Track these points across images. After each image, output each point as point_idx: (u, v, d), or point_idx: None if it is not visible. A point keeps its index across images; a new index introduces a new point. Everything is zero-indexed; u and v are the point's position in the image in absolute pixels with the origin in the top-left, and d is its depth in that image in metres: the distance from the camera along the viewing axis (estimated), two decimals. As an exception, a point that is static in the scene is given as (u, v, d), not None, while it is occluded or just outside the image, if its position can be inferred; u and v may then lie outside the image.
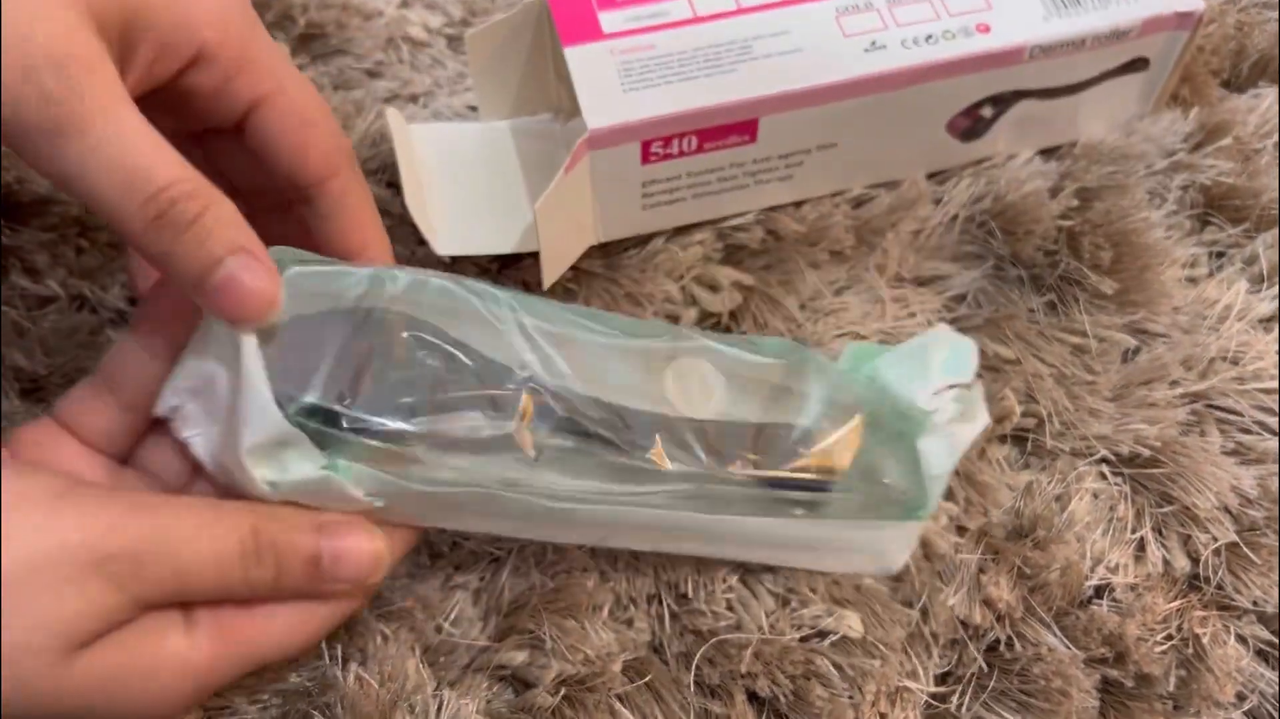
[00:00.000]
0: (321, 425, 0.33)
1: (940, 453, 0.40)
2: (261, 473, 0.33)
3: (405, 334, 0.35)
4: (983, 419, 0.40)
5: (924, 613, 0.41)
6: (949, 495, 0.44)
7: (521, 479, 0.35)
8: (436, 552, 0.43)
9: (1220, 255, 0.50)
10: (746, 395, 0.39)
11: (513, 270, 0.48)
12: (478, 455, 0.35)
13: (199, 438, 0.35)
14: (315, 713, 0.39)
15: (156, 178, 0.30)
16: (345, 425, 0.33)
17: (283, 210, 0.38)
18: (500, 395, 0.35)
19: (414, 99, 0.53)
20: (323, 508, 0.34)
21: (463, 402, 0.35)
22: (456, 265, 0.47)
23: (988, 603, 0.41)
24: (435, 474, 0.34)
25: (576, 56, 0.44)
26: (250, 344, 0.33)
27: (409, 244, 0.47)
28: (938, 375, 0.40)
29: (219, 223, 0.31)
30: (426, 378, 0.35)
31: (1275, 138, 0.51)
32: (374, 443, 0.34)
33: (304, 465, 0.33)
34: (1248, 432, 0.45)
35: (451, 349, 0.35)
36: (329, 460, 0.34)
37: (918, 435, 0.40)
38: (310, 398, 0.33)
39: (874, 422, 0.39)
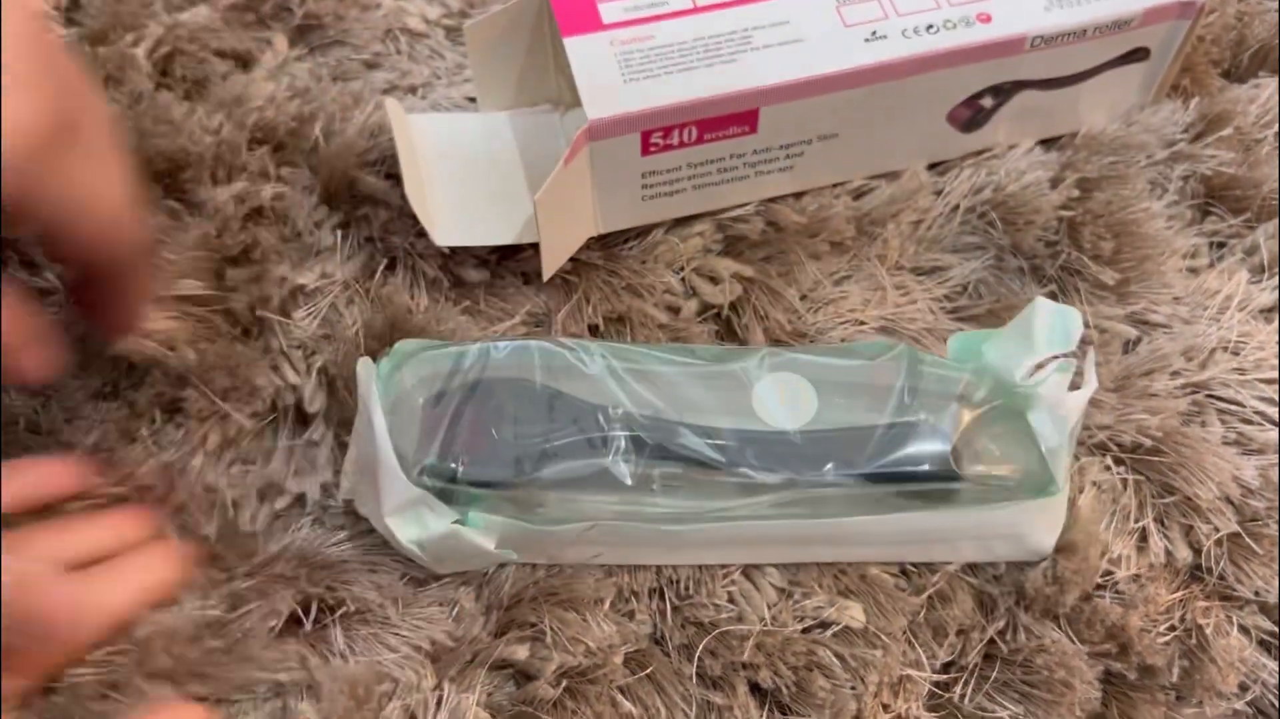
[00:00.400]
0: (444, 484, 0.38)
1: (1052, 425, 0.39)
2: (406, 533, 0.38)
3: (508, 394, 0.39)
4: (1091, 384, 0.39)
5: (930, 602, 0.41)
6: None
7: (630, 509, 0.39)
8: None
9: (1221, 246, 0.50)
10: (843, 400, 0.40)
11: (512, 262, 0.47)
12: (586, 492, 0.39)
13: (368, 512, 0.40)
14: (304, 707, 0.38)
15: None
16: (461, 479, 0.38)
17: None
18: (596, 435, 0.39)
19: (412, 90, 0.52)
20: (465, 563, 0.40)
21: (564, 446, 0.39)
22: (455, 256, 0.47)
23: (995, 595, 0.41)
24: (554, 514, 0.39)
25: (576, 47, 0.44)
26: (379, 423, 0.37)
27: (408, 235, 0.47)
28: (1043, 348, 0.40)
29: None
30: (531, 429, 0.39)
31: (1276, 128, 0.51)
32: (491, 493, 0.38)
33: (439, 522, 0.38)
34: (1249, 422, 0.45)
35: (551, 400, 0.39)
36: (460, 515, 0.38)
37: (1028, 412, 0.40)
38: (429, 460, 0.38)
39: (984, 405, 0.40)
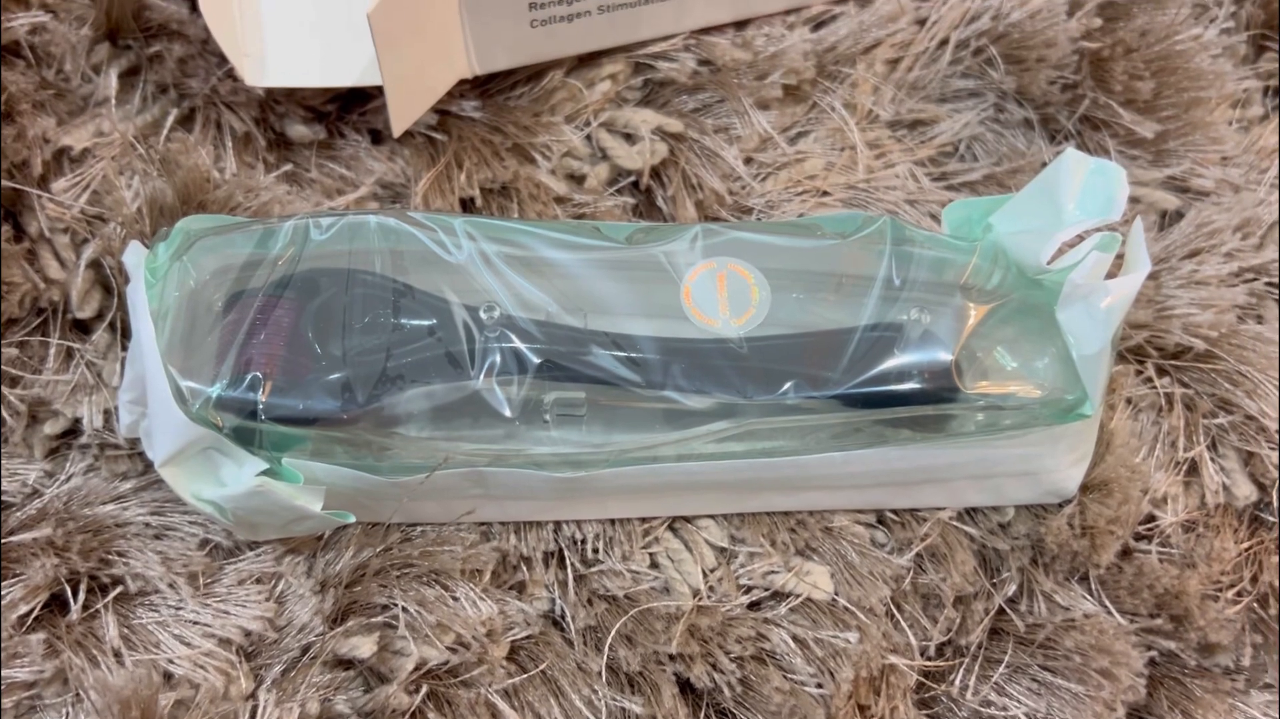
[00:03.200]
0: (242, 420, 0.29)
1: (1088, 324, 0.31)
2: (193, 490, 0.30)
3: (335, 292, 0.31)
4: (1142, 266, 0.31)
5: (918, 561, 0.33)
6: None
7: (513, 448, 0.31)
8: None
9: (1276, 91, 0.42)
10: (804, 295, 0.32)
11: (355, 115, 0.38)
12: (449, 427, 0.30)
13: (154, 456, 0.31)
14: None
15: None
16: (266, 414, 0.29)
17: None
18: (461, 348, 0.30)
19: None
20: (287, 530, 0.32)
21: (415, 364, 0.30)
22: (277, 106, 0.37)
23: (1002, 551, 0.33)
24: (404, 458, 0.31)
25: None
26: (148, 334, 0.29)
27: (212, 77, 0.37)
28: (1073, 216, 0.31)
29: None
30: (368, 341, 0.30)
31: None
32: (312, 432, 0.30)
33: (239, 474, 0.30)
34: (1322, 316, 0.38)
35: (397, 299, 0.31)
36: (269, 463, 0.30)
37: (1056, 307, 0.31)
38: (216, 390, 0.29)
39: (995, 299, 0.32)
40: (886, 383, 0.31)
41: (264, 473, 0.30)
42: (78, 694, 0.31)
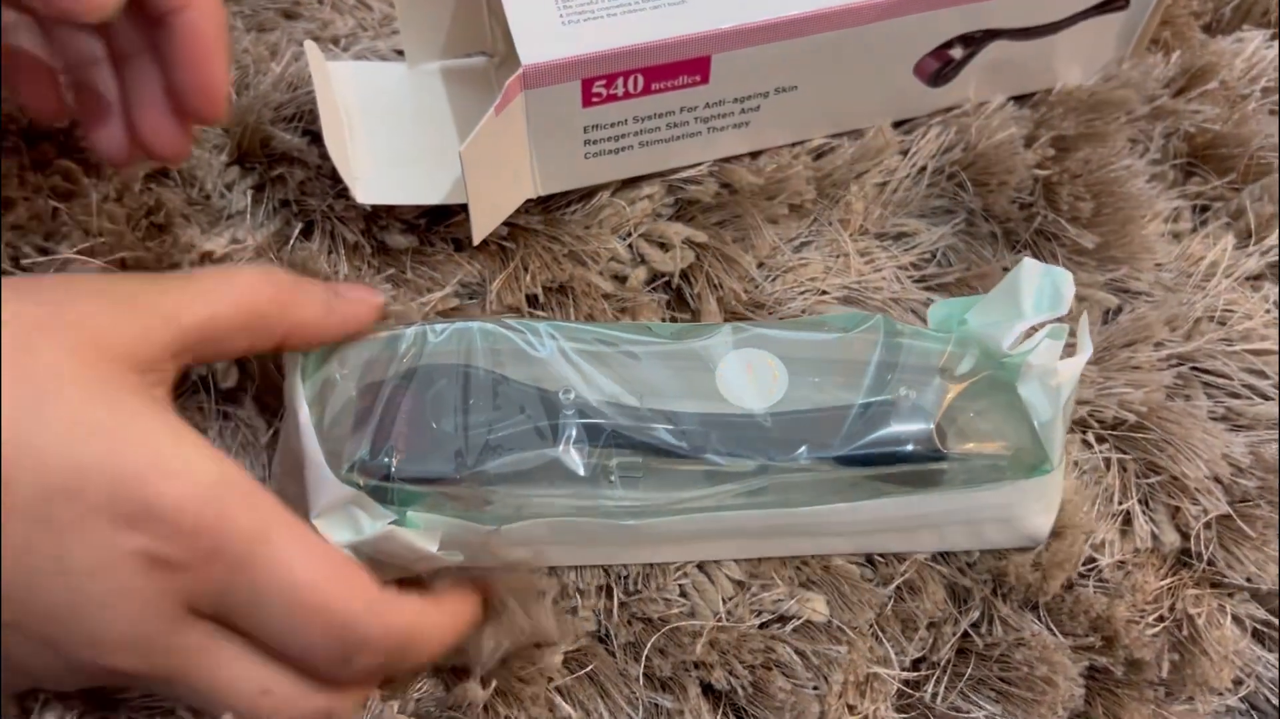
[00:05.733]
0: (378, 481, 0.34)
1: (1043, 396, 0.36)
2: (338, 536, 0.34)
3: (448, 381, 0.36)
4: (1086, 351, 0.36)
5: (898, 593, 0.38)
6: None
7: (585, 503, 0.36)
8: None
9: (1205, 209, 0.47)
10: (815, 378, 0.37)
11: (442, 227, 0.44)
12: (536, 486, 0.35)
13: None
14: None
15: None
16: (396, 475, 0.34)
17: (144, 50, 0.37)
18: (546, 423, 0.35)
19: (335, 42, 0.48)
20: (408, 568, 0.35)
21: (510, 436, 0.35)
22: (379, 220, 0.43)
23: (968, 585, 0.38)
24: (501, 511, 0.35)
25: (511, -9, 0.40)
26: (304, 415, 0.34)
27: (327, 197, 0.43)
28: (1031, 313, 0.36)
29: None
30: (473, 419, 0.35)
31: (1263, 83, 0.48)
32: (431, 490, 0.35)
33: (373, 524, 0.34)
34: (1237, 396, 0.42)
35: (495, 387, 0.36)
36: (397, 515, 0.34)
37: (1018, 383, 0.36)
38: (360, 454, 0.34)
39: (969, 378, 0.37)
40: (881, 446, 0.35)
41: (393, 523, 0.34)
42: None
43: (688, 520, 0.36)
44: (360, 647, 0.31)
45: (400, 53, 0.48)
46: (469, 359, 0.37)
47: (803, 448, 0.35)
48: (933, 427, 0.36)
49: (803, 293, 0.43)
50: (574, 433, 0.35)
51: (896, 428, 0.36)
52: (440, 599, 0.34)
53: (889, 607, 0.38)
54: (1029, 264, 0.37)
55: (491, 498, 0.35)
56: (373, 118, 0.44)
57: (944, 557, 0.39)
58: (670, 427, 0.36)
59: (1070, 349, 0.36)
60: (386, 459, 0.35)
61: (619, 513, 0.36)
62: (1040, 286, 0.37)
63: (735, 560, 0.38)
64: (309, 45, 0.42)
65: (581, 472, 0.35)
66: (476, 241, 0.42)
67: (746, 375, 0.37)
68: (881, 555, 0.39)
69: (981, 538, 0.38)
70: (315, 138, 0.44)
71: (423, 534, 0.34)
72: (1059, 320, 0.36)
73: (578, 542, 0.37)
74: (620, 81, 0.40)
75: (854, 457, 0.36)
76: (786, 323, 0.40)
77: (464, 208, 0.41)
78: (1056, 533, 0.38)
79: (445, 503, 0.35)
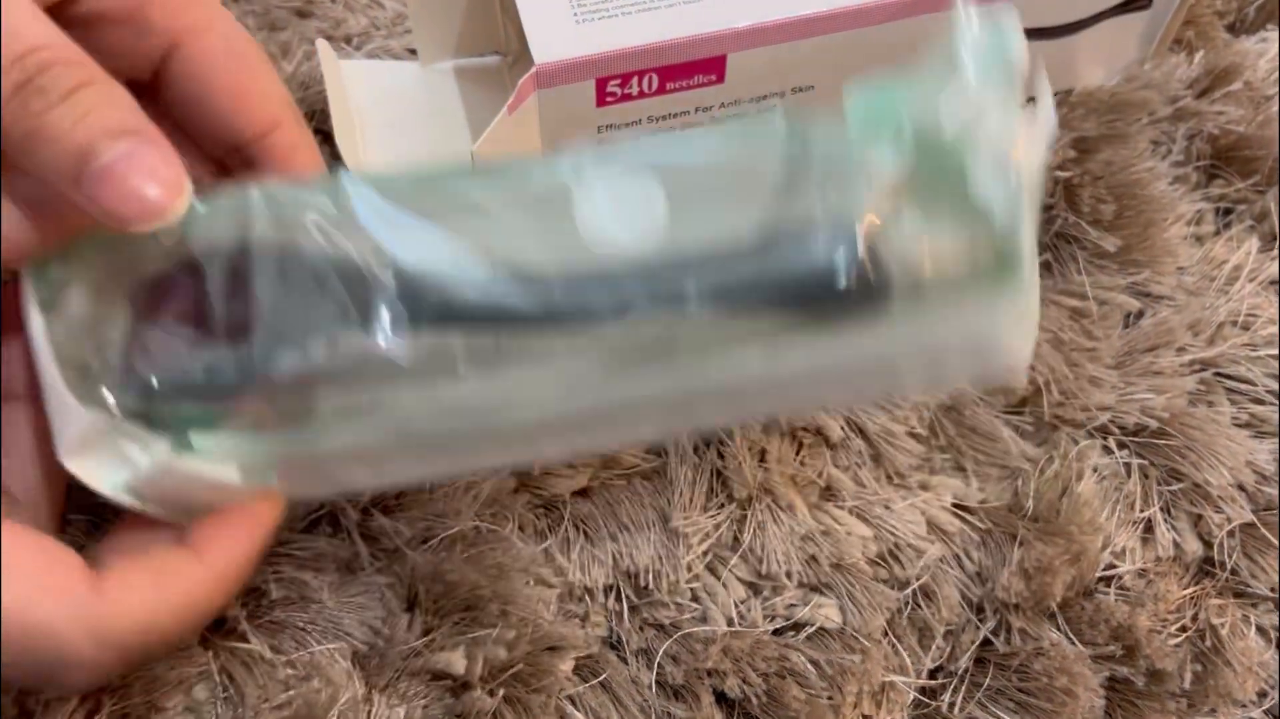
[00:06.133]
0: (136, 402, 0.27)
1: (999, 182, 0.28)
2: (106, 480, 0.28)
3: (218, 264, 0.28)
4: (1047, 117, 0.29)
5: (915, 598, 0.37)
6: (956, 465, 0.39)
7: (425, 402, 0.27)
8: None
9: (1228, 212, 0.46)
10: (704, 201, 0.29)
11: None
12: (356, 386, 0.27)
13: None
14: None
15: (26, 37, 0.24)
16: (158, 391, 0.27)
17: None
18: (352, 301, 0.27)
19: (347, 40, 0.48)
20: (211, 512, 0.29)
21: (306, 325, 0.27)
22: None
23: (988, 592, 0.37)
24: (317, 424, 0.27)
25: (525, -11, 0.40)
26: (36, 324, 0.27)
27: None
28: (975, 74, 0.28)
29: (104, 100, 0.25)
30: (258, 310, 0.27)
31: (1287, 84, 0.47)
32: (207, 407, 0.27)
33: (146, 454, 0.27)
34: (1260, 402, 0.42)
35: (282, 266, 0.27)
36: (175, 440, 0.27)
37: (966, 170, 0.28)
38: (110, 367, 0.27)
39: (903, 174, 0.28)
40: (798, 284, 0.28)
41: (175, 449, 0.27)
42: (225, 698, 0.35)
43: (568, 405, 0.28)
44: (73, 667, 0.27)
45: (413, 51, 0.48)
46: (247, 233, 0.28)
47: (693, 296, 0.28)
48: (860, 247, 0.27)
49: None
50: (391, 311, 0.27)
51: (815, 255, 0.28)
52: (201, 550, 0.28)
53: (905, 613, 0.37)
54: (966, 14, 0.29)
55: (291, 408, 0.28)
56: (385, 117, 0.43)
57: (959, 562, 0.38)
58: (521, 290, 0.27)
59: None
60: (145, 371, 0.27)
61: (473, 410, 0.28)
62: (980, 40, 0.28)
63: (743, 560, 0.37)
64: (321, 44, 0.42)
65: (404, 362, 0.27)
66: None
67: (613, 209, 0.29)
68: (894, 553, 0.38)
69: (945, 372, 0.31)
70: (327, 136, 0.43)
71: (215, 461, 0.28)
72: (1009, 85, 0.28)
73: (431, 452, 0.29)
74: (635, 81, 0.40)
75: (762, 300, 0.28)
76: (667, 134, 0.32)
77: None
78: (1061, 533, 0.37)
79: (235, 420, 0.28)
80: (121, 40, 0.29)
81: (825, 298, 0.28)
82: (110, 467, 0.28)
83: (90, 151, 0.25)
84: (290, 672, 0.35)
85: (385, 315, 0.27)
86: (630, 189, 0.29)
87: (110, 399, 0.27)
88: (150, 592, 0.27)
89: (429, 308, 0.27)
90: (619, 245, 0.28)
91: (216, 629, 0.36)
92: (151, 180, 0.25)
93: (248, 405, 0.27)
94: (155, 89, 0.31)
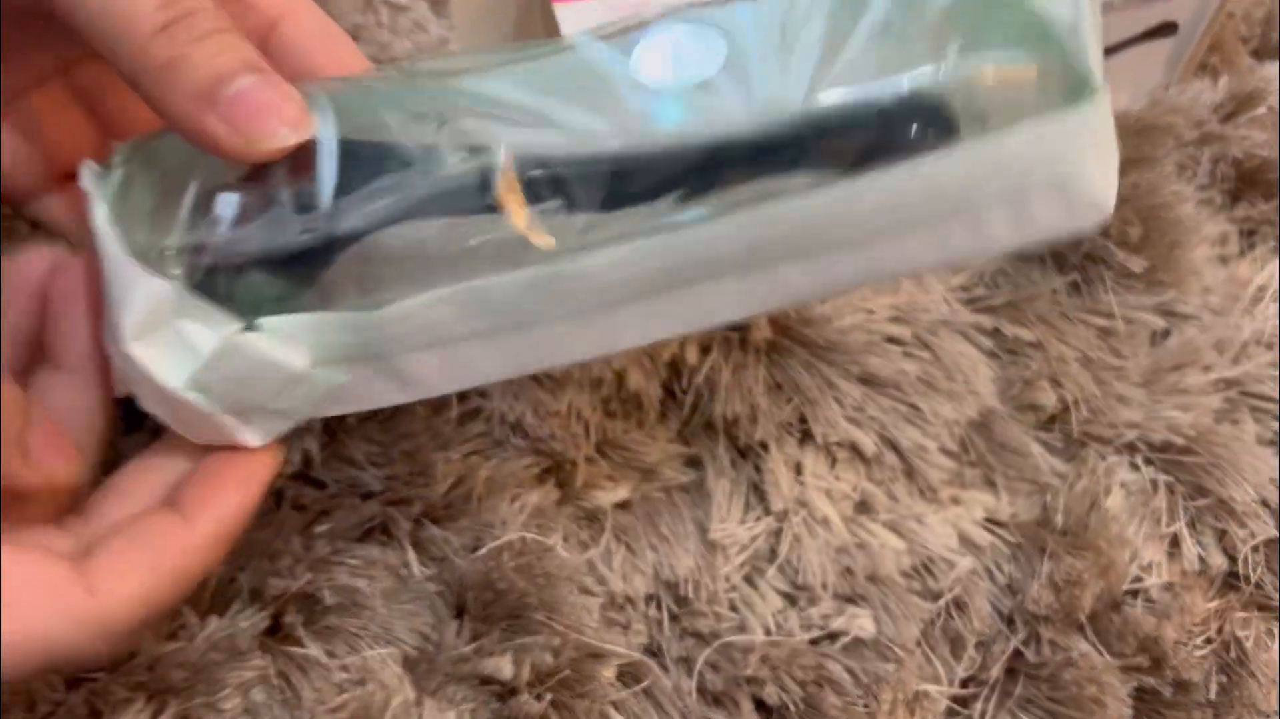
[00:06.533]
0: (202, 272, 0.26)
1: None
2: (175, 371, 0.26)
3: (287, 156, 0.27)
4: None
5: (947, 609, 0.38)
6: (987, 480, 0.40)
7: (493, 243, 0.26)
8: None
9: (1252, 233, 0.48)
10: (766, 59, 0.27)
11: None
12: (434, 258, 0.26)
13: (136, 389, 0.28)
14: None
15: None
16: (222, 256, 0.26)
17: None
18: (422, 174, 0.27)
19: (393, 64, 0.49)
20: (273, 401, 0.27)
21: (377, 193, 0.27)
22: None
23: (1018, 603, 0.38)
24: (384, 292, 0.26)
25: (568, 15, 0.41)
26: (100, 210, 0.27)
27: None
28: None
29: (238, 43, 0.28)
30: (321, 185, 0.27)
31: (1311, 108, 0.48)
32: (274, 278, 0.26)
33: (212, 334, 0.26)
34: (1285, 420, 0.43)
35: (352, 145, 0.27)
36: (245, 319, 0.26)
37: None
38: (173, 236, 0.27)
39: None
40: (871, 121, 0.26)
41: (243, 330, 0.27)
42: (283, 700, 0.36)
43: (643, 254, 0.26)
44: (81, 660, 0.28)
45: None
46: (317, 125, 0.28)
47: (762, 154, 0.27)
48: (922, 77, 0.26)
49: (851, 312, 0.44)
50: (459, 182, 0.27)
51: (877, 89, 0.26)
52: (191, 514, 0.29)
53: (938, 624, 0.38)
54: None
55: (363, 280, 0.27)
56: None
57: (990, 575, 0.39)
58: (593, 163, 0.27)
59: None
60: (213, 242, 0.27)
61: (548, 279, 0.26)
62: None
63: (778, 570, 0.38)
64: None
65: (476, 234, 0.26)
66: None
67: (675, 57, 0.27)
68: (926, 566, 0.39)
69: (1031, 217, 0.27)
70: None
71: (282, 342, 0.27)
72: None
73: (506, 328, 0.27)
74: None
75: (830, 147, 0.27)
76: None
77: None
78: (1090, 547, 0.38)
79: (305, 296, 0.27)
80: (229, 17, 0.31)
81: (891, 132, 0.26)
82: (176, 352, 0.27)
83: (228, 77, 0.27)
84: (344, 675, 0.36)
85: (452, 184, 0.27)
86: (693, 41, 0.28)
87: (179, 271, 0.27)
88: (143, 572, 0.28)
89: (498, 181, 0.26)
90: (678, 87, 0.27)
91: (274, 634, 0.37)
92: (282, 104, 0.27)
93: (318, 276, 0.27)
94: None
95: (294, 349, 0.27)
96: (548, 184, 0.26)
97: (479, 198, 0.26)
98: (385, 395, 0.28)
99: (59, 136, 0.34)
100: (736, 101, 0.27)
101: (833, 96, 0.26)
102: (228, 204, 0.27)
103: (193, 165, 0.28)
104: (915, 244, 0.27)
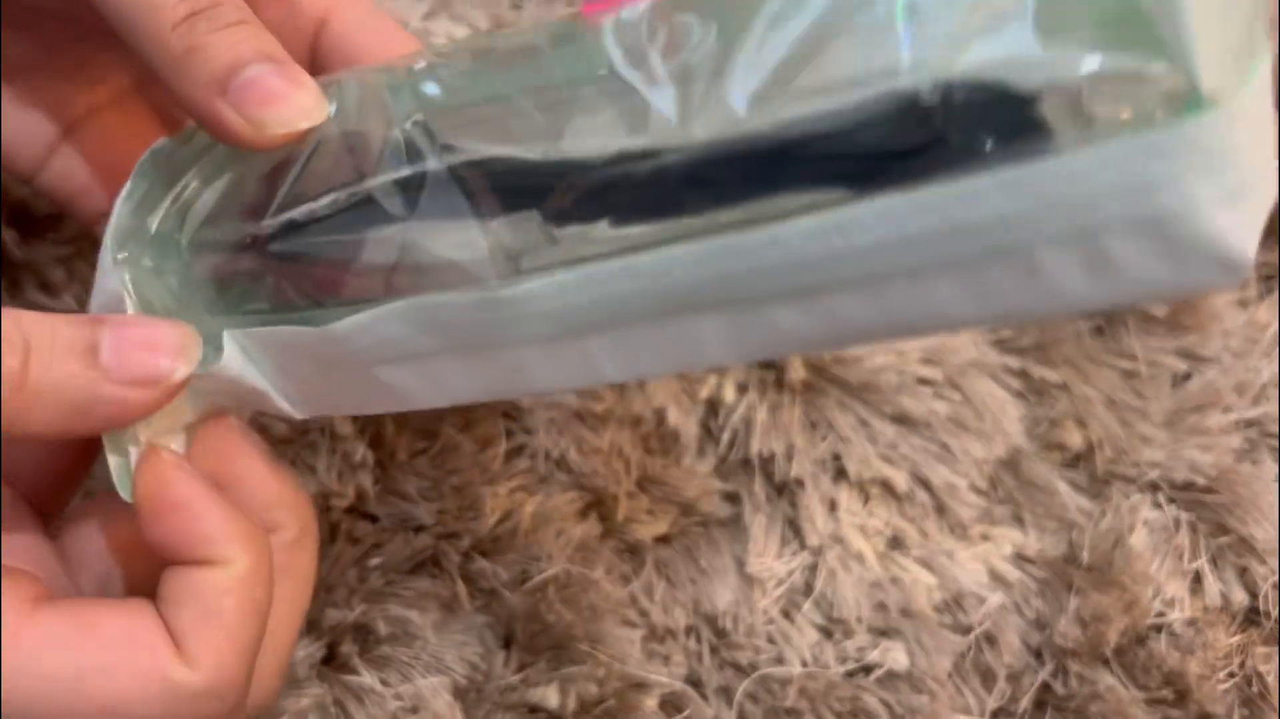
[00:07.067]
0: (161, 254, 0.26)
1: None
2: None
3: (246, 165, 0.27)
4: None
5: (978, 643, 0.40)
6: (1015, 518, 0.42)
7: (451, 266, 0.24)
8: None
9: (1270, 278, 0.49)
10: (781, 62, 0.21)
11: None
12: (383, 262, 0.24)
13: None
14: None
15: None
16: (185, 242, 0.26)
17: None
18: (378, 170, 0.24)
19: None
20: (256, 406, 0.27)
21: (317, 185, 0.25)
22: None
23: (1046, 638, 0.40)
24: (332, 302, 0.25)
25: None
26: (123, 193, 0.28)
27: None
28: None
29: (258, 34, 0.28)
30: (282, 187, 0.26)
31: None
32: (246, 285, 0.26)
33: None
34: (1303, 460, 0.44)
35: (322, 144, 0.26)
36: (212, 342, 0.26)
37: None
38: (153, 224, 0.27)
39: None
40: (883, 133, 0.20)
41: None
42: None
43: (584, 284, 0.23)
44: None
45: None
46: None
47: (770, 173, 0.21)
48: (950, 79, 0.19)
49: (884, 353, 0.45)
50: (401, 154, 0.24)
51: (894, 99, 0.20)
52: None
53: (969, 657, 0.40)
54: None
55: (300, 274, 0.26)
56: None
57: (1018, 609, 0.41)
58: (572, 172, 0.23)
59: None
60: (176, 220, 0.27)
61: (507, 302, 0.23)
62: None
63: (814, 604, 0.40)
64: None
65: (396, 208, 0.24)
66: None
67: (659, 58, 0.22)
68: (959, 601, 0.40)
69: (1111, 266, 0.20)
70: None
71: (245, 358, 0.26)
72: None
73: (456, 344, 0.24)
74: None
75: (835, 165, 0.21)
76: None
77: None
78: (1116, 583, 0.40)
79: (257, 292, 0.26)
80: (276, 18, 0.32)
81: (910, 138, 0.20)
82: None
83: (242, 65, 0.27)
84: (398, 703, 0.38)
85: (397, 159, 0.24)
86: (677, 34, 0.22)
87: (176, 263, 0.27)
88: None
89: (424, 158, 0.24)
90: (671, 132, 0.22)
91: (329, 663, 0.39)
92: (294, 90, 0.27)
93: (256, 271, 0.26)
94: (311, 70, 0.32)
95: (259, 361, 0.26)
96: (499, 195, 0.23)
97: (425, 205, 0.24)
98: (367, 402, 0.26)
99: (136, 152, 0.35)
100: (713, 102, 0.21)
101: (822, 99, 0.20)
102: (207, 200, 0.27)
103: (220, 159, 0.28)
104: (946, 291, 0.21)
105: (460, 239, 0.23)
